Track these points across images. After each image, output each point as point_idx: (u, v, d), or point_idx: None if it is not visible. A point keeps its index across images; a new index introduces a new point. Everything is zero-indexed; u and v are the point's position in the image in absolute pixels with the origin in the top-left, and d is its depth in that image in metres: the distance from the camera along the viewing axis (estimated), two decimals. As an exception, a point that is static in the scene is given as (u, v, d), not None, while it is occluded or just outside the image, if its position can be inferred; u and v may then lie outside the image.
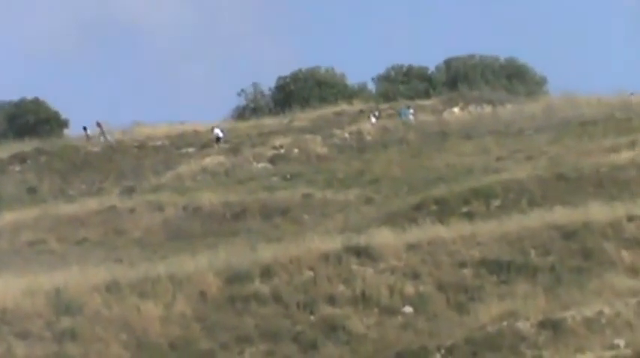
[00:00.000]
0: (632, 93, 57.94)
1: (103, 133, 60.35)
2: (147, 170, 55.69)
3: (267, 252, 36.17)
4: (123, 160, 57.85)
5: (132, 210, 49.08)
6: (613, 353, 28.85)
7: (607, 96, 57.45)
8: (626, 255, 33.82)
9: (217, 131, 58.64)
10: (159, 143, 59.40)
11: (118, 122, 62.73)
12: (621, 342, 29.57)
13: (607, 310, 30.67)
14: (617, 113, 54.16)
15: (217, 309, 34.09)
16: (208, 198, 48.67)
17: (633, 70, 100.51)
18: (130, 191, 53.09)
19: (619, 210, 36.02)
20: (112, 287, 34.77)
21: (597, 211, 36.02)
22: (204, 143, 58.56)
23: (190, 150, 58.00)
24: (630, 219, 35.25)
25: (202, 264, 35.76)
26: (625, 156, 45.13)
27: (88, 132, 60.46)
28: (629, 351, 28.76)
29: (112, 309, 34.01)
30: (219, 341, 32.96)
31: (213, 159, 56.08)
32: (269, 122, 61.24)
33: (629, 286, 31.65)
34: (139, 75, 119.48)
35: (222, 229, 46.00)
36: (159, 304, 34.15)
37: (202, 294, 34.59)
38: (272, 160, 55.64)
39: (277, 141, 56.73)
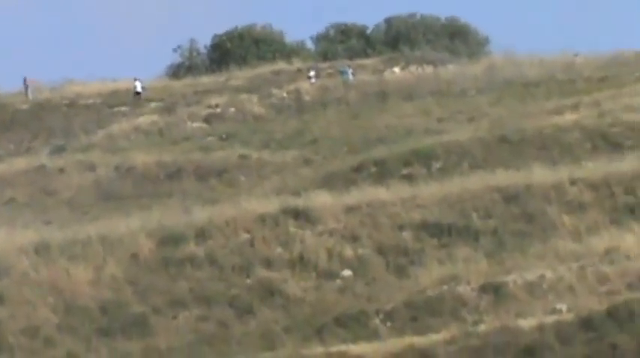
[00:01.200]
0: (575, 54, 58.08)
1: (27, 90, 59.38)
2: (77, 129, 54.96)
3: (202, 214, 35.92)
4: (52, 119, 57.08)
5: (62, 170, 48.51)
6: (555, 317, 29.00)
7: (550, 57, 57.54)
8: (568, 218, 33.98)
9: (137, 84, 57.75)
10: (90, 101, 58.61)
11: (48, 79, 61.78)
12: (563, 307, 29.74)
13: (549, 274, 30.82)
14: (561, 74, 54.32)
15: (150, 272, 33.84)
16: (141, 158, 48.18)
17: (577, 30, 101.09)
18: (59, 150, 52.44)
19: (562, 173, 36.15)
20: (40, 249, 34.43)
21: (540, 174, 36.11)
22: (142, 101, 57.84)
23: (123, 108, 57.30)
24: (573, 182, 35.38)
25: (135, 226, 35.50)
26: (568, 118, 45.30)
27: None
28: (571, 316, 28.93)
29: (40, 272, 33.67)
30: (151, 304, 32.78)
31: (146, 119, 55.50)
32: (205, 81, 60.65)
33: (571, 250, 31.81)
34: (70, 30, 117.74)
35: (155, 190, 45.59)
36: (89, 267, 33.85)
37: (134, 257, 34.32)
38: (207, 120, 55.18)
39: (213, 101, 56.24)
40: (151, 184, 46.39)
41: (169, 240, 34.76)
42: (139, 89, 57.45)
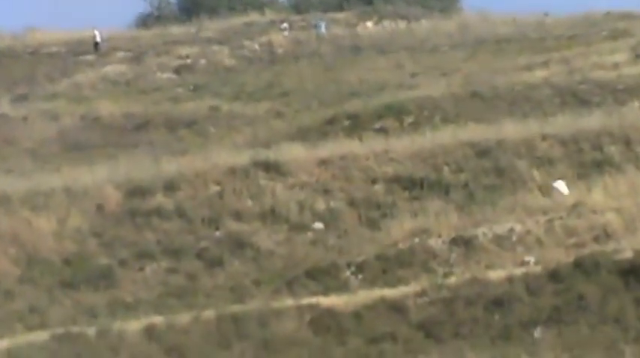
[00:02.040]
0: (546, 14, 59.13)
1: None
2: (41, 77, 54.79)
3: (171, 165, 36.07)
4: (15, 67, 56.82)
5: (24, 119, 48.41)
6: (523, 269, 29.81)
7: (521, 16, 58.35)
8: (537, 173, 34.75)
9: (96, 34, 57.57)
10: (54, 49, 58.42)
11: (9, 27, 61.52)
12: (531, 259, 30.56)
13: (518, 227, 31.59)
14: (532, 33, 55.07)
15: (116, 224, 33.90)
16: (108, 108, 48.21)
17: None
18: (22, 99, 52.24)
19: (532, 128, 36.91)
20: (1, 200, 34.28)
21: (511, 129, 36.91)
22: (105, 51, 57.79)
23: (89, 57, 57.25)
24: (543, 137, 36.21)
25: (101, 177, 35.52)
26: (539, 74, 46.12)
27: None
28: (538, 268, 29.76)
29: (1, 223, 33.56)
30: (117, 257, 32.82)
31: (114, 68, 55.48)
32: (175, 31, 60.64)
33: (540, 204, 32.62)
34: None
35: (122, 141, 45.71)
36: (52, 218, 33.87)
37: (100, 208, 34.39)
38: (177, 71, 55.35)
39: (183, 51, 56.29)
40: (118, 135, 46.47)
41: (137, 191, 34.83)
42: (98, 39, 57.33)
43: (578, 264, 29.24)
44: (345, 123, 42.47)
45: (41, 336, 28.64)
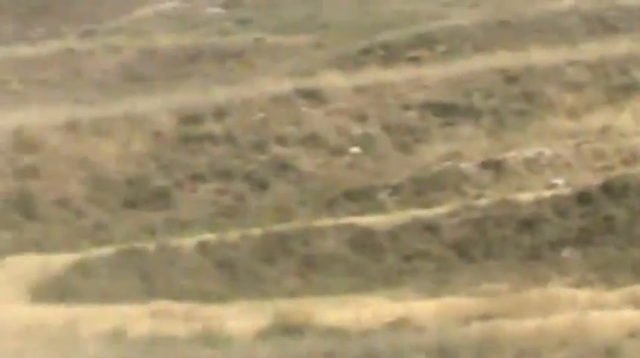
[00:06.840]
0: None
1: None
2: (105, 13, 53.36)
3: (220, 94, 34.62)
4: (81, 4, 55.43)
5: (90, 53, 47.09)
6: (552, 192, 27.89)
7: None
8: (566, 97, 32.57)
9: None
10: (114, -13, 56.80)
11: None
12: (560, 182, 28.60)
13: (547, 151, 29.65)
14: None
15: (172, 148, 32.92)
16: (163, 42, 46.72)
17: None
18: (88, 34, 50.92)
19: (560, 55, 34.61)
20: (70, 127, 33.26)
21: (539, 56, 34.57)
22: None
23: (147, -6, 55.55)
24: (570, 63, 33.96)
25: (157, 105, 34.26)
26: (566, 2, 43.49)
27: None
28: (567, 190, 27.86)
29: (70, 148, 32.60)
30: (174, 178, 31.89)
31: (167, 4, 53.79)
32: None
33: (568, 128, 30.58)
34: None
35: (176, 72, 44.25)
36: (116, 143, 32.80)
37: (157, 134, 33.23)
38: (225, 5, 53.48)
39: (230, -14, 54.34)
40: (173, 66, 45.05)
41: (190, 118, 33.73)
42: None
43: (606, 187, 27.32)
44: (380, 53, 40.30)
45: (107, 251, 27.53)
